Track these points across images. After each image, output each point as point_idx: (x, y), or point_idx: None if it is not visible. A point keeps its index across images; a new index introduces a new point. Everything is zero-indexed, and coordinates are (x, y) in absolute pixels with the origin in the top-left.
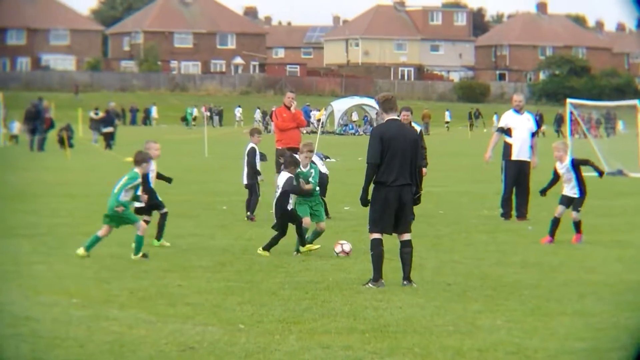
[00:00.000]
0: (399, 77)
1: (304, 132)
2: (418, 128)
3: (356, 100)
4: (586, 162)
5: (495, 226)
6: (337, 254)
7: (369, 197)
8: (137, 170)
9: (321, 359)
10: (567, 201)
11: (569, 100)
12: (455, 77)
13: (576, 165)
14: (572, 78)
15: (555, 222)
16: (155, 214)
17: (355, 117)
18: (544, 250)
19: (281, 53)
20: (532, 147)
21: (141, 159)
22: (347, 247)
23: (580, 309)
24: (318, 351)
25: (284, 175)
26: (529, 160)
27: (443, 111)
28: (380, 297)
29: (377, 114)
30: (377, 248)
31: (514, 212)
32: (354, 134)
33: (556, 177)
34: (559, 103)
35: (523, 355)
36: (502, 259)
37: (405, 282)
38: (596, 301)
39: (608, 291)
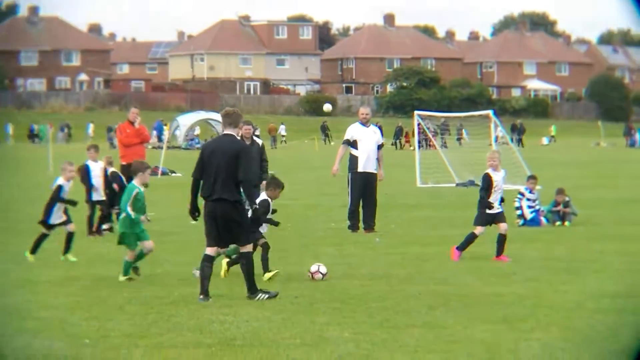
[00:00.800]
0: (245, 91)
1: (149, 147)
2: (260, 142)
3: (202, 114)
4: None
5: (343, 238)
6: (311, 275)
7: (197, 211)
8: (135, 182)
9: None
10: (490, 219)
11: (416, 112)
12: (301, 90)
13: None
14: (421, 90)
15: (472, 239)
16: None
17: (197, 131)
18: (392, 263)
19: (126, 69)
20: (378, 159)
21: (136, 169)
22: (323, 269)
23: (430, 320)
24: None
25: (262, 196)
26: (375, 172)
27: (288, 125)
28: (227, 310)
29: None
30: (202, 264)
31: (361, 225)
32: (200, 149)
33: (489, 185)
34: (406, 115)
35: None
36: (350, 271)
37: (248, 295)
38: (446, 313)
39: (459, 303)
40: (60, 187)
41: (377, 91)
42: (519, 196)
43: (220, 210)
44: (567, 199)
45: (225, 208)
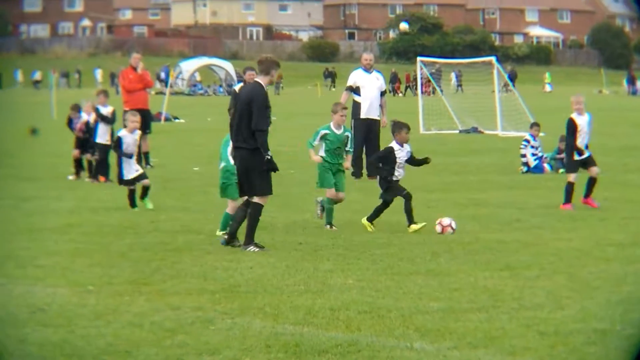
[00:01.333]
0: (248, 37)
1: (152, 92)
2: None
3: (205, 60)
4: None
5: (346, 185)
6: (442, 227)
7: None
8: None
9: (171, 320)
10: (580, 165)
11: (419, 59)
12: (304, 36)
13: None
14: (424, 36)
15: (571, 188)
16: None
17: (198, 77)
18: (396, 209)
19: (128, 14)
20: (381, 105)
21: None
22: (454, 224)
23: (433, 268)
24: (168, 312)
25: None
26: (378, 118)
27: (291, 71)
28: (231, 257)
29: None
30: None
31: (364, 171)
32: (203, 95)
33: (574, 130)
34: (409, 61)
35: (376, 315)
36: (353, 217)
37: (242, 245)
38: (450, 260)
39: (463, 250)
40: (119, 139)
41: (380, 37)
42: (524, 143)
43: (239, 158)
44: None
45: (243, 155)
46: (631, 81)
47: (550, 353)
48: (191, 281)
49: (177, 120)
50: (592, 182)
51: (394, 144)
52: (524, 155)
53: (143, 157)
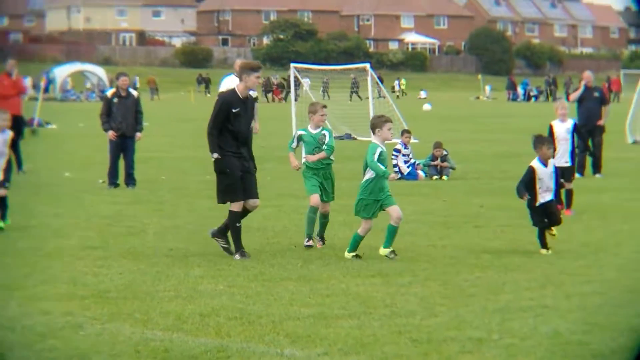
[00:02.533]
0: (121, 43)
1: (25, 98)
2: (135, 94)
3: (77, 66)
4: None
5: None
6: None
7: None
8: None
9: (42, 325)
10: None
11: (292, 65)
12: (177, 42)
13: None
14: (297, 42)
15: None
16: None
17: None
18: (268, 215)
19: (5, 21)
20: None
21: None
22: None
23: (305, 274)
24: (39, 317)
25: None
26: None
27: (164, 77)
28: (101, 263)
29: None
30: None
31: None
32: (75, 100)
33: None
34: (283, 67)
35: (246, 321)
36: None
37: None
38: (322, 267)
39: (335, 257)
40: None
41: (254, 43)
42: (394, 154)
43: None
44: (444, 152)
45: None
46: (511, 87)
47: None
48: (61, 286)
49: (49, 126)
50: (568, 194)
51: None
52: (396, 165)
53: (15, 161)
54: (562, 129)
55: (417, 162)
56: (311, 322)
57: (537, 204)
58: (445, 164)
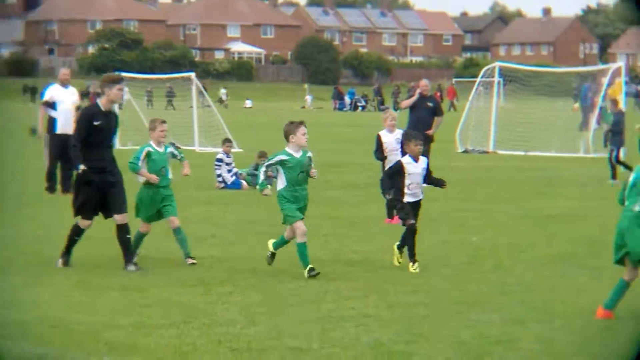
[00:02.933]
0: None
1: None
2: None
3: None
4: None
5: (38, 198)
6: None
7: None
8: None
9: None
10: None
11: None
12: (4, 53)
13: None
14: (123, 51)
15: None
16: None
17: None
18: (93, 225)
19: None
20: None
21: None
22: None
23: (127, 283)
24: None
25: None
26: (71, 133)
27: None
28: None
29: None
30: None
31: (59, 186)
32: None
33: (379, 146)
34: None
35: (66, 329)
36: (46, 232)
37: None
38: (144, 276)
39: (157, 266)
40: None
41: (80, 53)
42: (217, 163)
43: None
44: None
45: None
46: (338, 96)
47: None
48: None
49: None
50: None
51: None
52: (219, 175)
53: None
54: (391, 139)
55: (239, 172)
56: (131, 331)
57: (406, 201)
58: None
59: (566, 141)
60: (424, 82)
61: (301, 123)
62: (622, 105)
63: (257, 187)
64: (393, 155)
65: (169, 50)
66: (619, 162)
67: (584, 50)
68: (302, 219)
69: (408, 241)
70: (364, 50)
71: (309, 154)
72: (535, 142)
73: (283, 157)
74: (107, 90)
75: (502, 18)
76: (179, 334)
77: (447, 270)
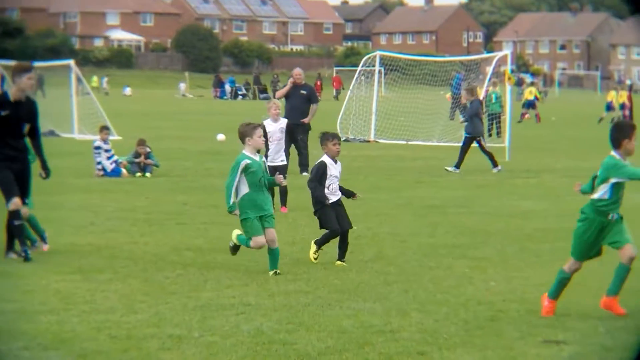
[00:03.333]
0: None
1: None
2: None
3: None
4: None
5: None
6: None
7: None
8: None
9: None
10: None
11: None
12: None
13: None
14: (5, 40)
15: None
16: None
17: None
18: None
19: None
20: None
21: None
22: None
23: (8, 270)
24: None
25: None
26: None
27: None
28: None
29: None
30: None
31: None
32: None
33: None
34: None
35: None
36: None
37: None
38: (24, 263)
39: (36, 253)
40: None
41: None
42: (96, 150)
43: None
44: (148, 150)
45: None
46: (218, 85)
47: (122, 357)
48: None
49: None
50: (283, 192)
51: None
52: (99, 163)
53: None
54: (276, 128)
55: (119, 160)
56: (12, 317)
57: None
58: (149, 161)
59: (447, 130)
60: (297, 71)
61: (258, 126)
62: (482, 93)
63: (227, 208)
64: (277, 144)
65: (50, 38)
66: (484, 151)
67: (467, 38)
68: (262, 232)
69: (326, 239)
70: (244, 38)
71: (263, 158)
72: (417, 131)
73: (247, 161)
74: (17, 79)
75: (383, 7)
76: (59, 321)
77: (327, 258)
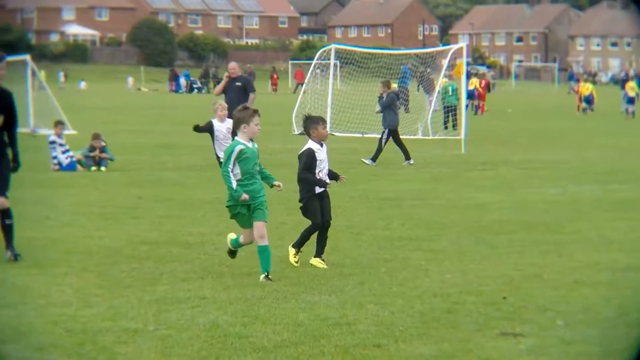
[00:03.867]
0: None
1: None
2: None
3: None
4: None
5: None
6: None
7: None
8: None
9: None
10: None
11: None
12: None
13: None
14: None
15: None
16: None
17: None
18: None
19: None
20: None
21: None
22: None
23: None
24: None
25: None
26: None
27: None
28: None
29: None
30: None
31: None
32: None
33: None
34: None
35: None
36: None
37: None
38: None
39: None
40: None
41: None
42: (51, 145)
43: None
44: (103, 144)
45: None
46: (173, 78)
47: (78, 351)
48: None
49: None
50: None
51: None
52: (55, 157)
53: None
54: (223, 128)
55: (74, 155)
56: None
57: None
58: (104, 154)
59: (403, 123)
60: (231, 65)
61: (255, 112)
62: (393, 86)
63: (233, 194)
64: (224, 144)
65: (8, 33)
66: (398, 143)
67: (423, 31)
68: (249, 225)
69: (307, 234)
70: (199, 32)
71: (256, 145)
72: (373, 124)
73: (241, 147)
74: None
75: (338, 0)
76: (17, 315)
77: (282, 251)
